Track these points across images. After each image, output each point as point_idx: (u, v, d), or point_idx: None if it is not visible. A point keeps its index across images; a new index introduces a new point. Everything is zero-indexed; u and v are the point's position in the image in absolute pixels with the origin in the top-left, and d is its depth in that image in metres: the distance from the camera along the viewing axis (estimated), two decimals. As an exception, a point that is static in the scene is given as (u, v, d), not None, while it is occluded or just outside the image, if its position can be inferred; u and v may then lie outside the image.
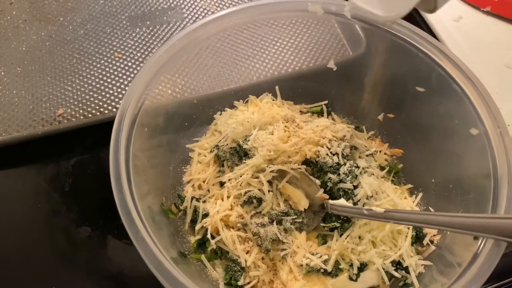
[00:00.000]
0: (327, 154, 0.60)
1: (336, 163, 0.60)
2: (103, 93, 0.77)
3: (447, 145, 0.63)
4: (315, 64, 0.78)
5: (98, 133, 0.74)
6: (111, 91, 0.78)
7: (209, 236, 0.59)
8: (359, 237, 0.57)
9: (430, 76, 0.62)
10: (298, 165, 0.61)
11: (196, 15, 0.89)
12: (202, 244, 0.61)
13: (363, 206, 0.57)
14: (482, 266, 0.47)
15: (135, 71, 0.80)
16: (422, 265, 0.57)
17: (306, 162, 0.62)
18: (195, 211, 0.62)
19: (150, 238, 0.46)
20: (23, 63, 0.82)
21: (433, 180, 0.64)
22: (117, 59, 0.82)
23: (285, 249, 0.57)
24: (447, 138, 0.63)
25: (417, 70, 0.63)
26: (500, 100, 0.59)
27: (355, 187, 0.59)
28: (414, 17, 0.92)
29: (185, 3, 0.90)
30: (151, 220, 0.51)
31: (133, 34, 0.86)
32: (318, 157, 0.61)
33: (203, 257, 0.59)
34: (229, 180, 0.62)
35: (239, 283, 0.56)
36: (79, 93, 0.77)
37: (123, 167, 0.50)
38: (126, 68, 0.81)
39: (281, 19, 0.76)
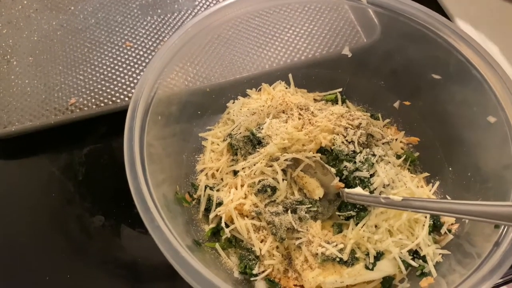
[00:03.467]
0: (342, 142, 0.60)
1: (352, 151, 0.59)
2: (115, 82, 0.77)
3: (466, 133, 0.61)
4: (329, 51, 0.77)
5: (111, 122, 0.74)
6: (123, 80, 0.77)
7: (223, 224, 0.58)
8: (376, 226, 0.56)
9: (448, 62, 0.61)
10: (313, 153, 0.60)
11: (208, 3, 0.88)
12: (216, 232, 0.61)
13: (380, 194, 0.56)
14: (503, 256, 0.46)
15: (147, 60, 0.80)
16: (439, 254, 0.56)
17: (321, 150, 0.61)
18: (209, 199, 0.62)
19: (165, 226, 0.46)
20: (35, 52, 0.82)
21: (450, 169, 0.63)
22: (128, 47, 0.81)
23: (300, 238, 0.56)
24: (466, 125, 0.61)
25: (435, 55, 0.62)
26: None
27: (372, 175, 0.58)
28: (430, 1, 0.90)
29: (196, -10, 0.90)
30: (166, 209, 0.51)
31: (144, 23, 0.85)
32: (334, 145, 0.60)
33: (217, 245, 0.58)
34: (242, 168, 0.62)
35: (254, 272, 0.56)
36: (91, 82, 0.77)
37: (138, 155, 0.50)
38: (138, 57, 0.80)
39: (294, 5, 0.75)
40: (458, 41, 0.59)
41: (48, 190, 0.69)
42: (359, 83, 0.72)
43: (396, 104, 0.70)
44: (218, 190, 0.62)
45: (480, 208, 0.46)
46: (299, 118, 0.63)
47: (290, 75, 0.72)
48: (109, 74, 0.78)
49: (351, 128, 0.60)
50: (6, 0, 0.90)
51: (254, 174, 0.60)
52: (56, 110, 0.74)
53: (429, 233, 0.57)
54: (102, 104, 0.74)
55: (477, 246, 0.52)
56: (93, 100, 0.75)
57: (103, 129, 0.74)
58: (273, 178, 0.59)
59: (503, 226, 0.47)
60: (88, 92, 0.76)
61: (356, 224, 0.56)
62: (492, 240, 0.48)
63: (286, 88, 0.72)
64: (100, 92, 0.76)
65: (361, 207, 0.57)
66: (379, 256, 0.55)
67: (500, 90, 0.55)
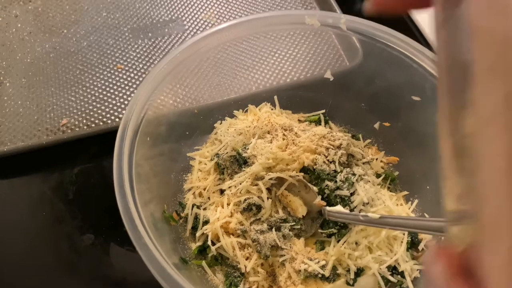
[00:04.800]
0: (324, 162, 0.62)
1: (333, 170, 0.62)
2: (106, 104, 0.79)
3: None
4: (313, 74, 0.80)
5: (101, 142, 0.76)
6: (113, 102, 0.79)
7: (209, 242, 0.60)
8: (356, 243, 0.58)
9: (424, 86, 0.64)
10: (296, 172, 0.63)
11: (197, 27, 0.91)
12: (203, 250, 0.62)
13: (359, 212, 0.58)
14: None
15: (138, 82, 0.82)
16: (417, 269, 0.58)
17: (304, 169, 0.64)
18: (196, 218, 0.63)
19: (152, 244, 0.48)
20: (28, 74, 0.84)
21: (428, 187, 0.65)
22: (119, 70, 0.84)
23: (284, 255, 0.58)
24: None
25: (412, 80, 0.65)
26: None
27: (352, 194, 0.60)
28: (411, 28, 0.94)
29: (186, 15, 0.93)
30: (154, 227, 0.53)
31: (135, 46, 0.88)
32: (316, 164, 0.62)
33: (203, 263, 0.60)
34: (229, 187, 0.64)
35: (239, 288, 0.58)
36: (82, 103, 0.79)
37: (126, 175, 0.52)
38: (129, 79, 0.83)
39: (279, 31, 0.78)
40: (432, 65, 0.63)
41: (40, 208, 0.70)
42: (341, 105, 0.75)
43: (377, 125, 0.73)
44: (205, 209, 0.64)
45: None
46: (283, 139, 0.66)
47: (275, 97, 0.75)
48: (101, 96, 0.80)
49: (332, 149, 0.63)
50: (1, 23, 0.92)
51: (240, 192, 0.62)
52: (48, 130, 0.76)
53: (407, 250, 0.59)
54: (93, 125, 0.76)
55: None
56: (85, 121, 0.77)
57: (94, 149, 0.76)
58: (258, 197, 0.61)
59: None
60: (79, 113, 0.78)
61: (338, 241, 0.58)
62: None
63: (272, 109, 0.75)
64: (92, 113, 0.78)
65: (342, 224, 0.59)
66: (359, 272, 0.57)
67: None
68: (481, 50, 0.19)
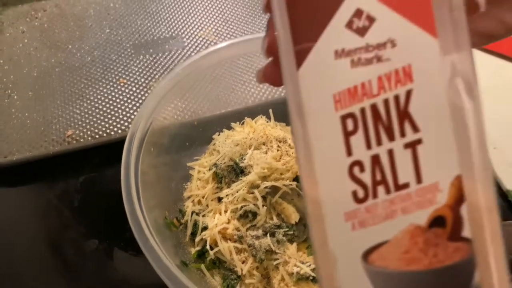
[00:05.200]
0: (315, 172, 0.66)
1: (324, 179, 0.66)
2: (109, 116, 0.83)
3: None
4: (306, 89, 0.85)
5: (105, 153, 0.80)
6: (116, 114, 0.83)
7: (208, 247, 0.64)
8: (345, 247, 0.62)
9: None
10: (290, 181, 0.67)
11: (196, 44, 0.96)
12: (201, 254, 0.66)
13: (348, 218, 0.62)
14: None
15: (140, 96, 0.86)
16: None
17: (297, 178, 0.68)
18: (195, 224, 0.67)
19: (158, 247, 0.52)
20: (35, 87, 0.88)
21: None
22: (122, 84, 0.88)
23: (278, 259, 0.62)
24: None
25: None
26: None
27: (341, 201, 0.64)
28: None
29: (186, 32, 0.98)
30: (157, 232, 0.56)
31: (137, 61, 0.92)
32: (308, 174, 0.67)
33: (202, 266, 0.64)
34: (226, 195, 0.68)
35: (236, 290, 0.62)
36: (87, 115, 0.83)
37: (133, 183, 0.56)
38: (131, 93, 0.87)
39: (274, 49, 0.82)
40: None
41: (46, 216, 0.74)
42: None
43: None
44: (203, 216, 0.68)
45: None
46: (278, 150, 0.70)
47: (270, 110, 0.80)
48: (104, 109, 0.84)
49: (323, 159, 0.67)
50: (8, 39, 0.96)
51: (237, 200, 0.66)
52: (54, 141, 0.80)
53: (393, 254, 0.63)
54: (97, 136, 0.80)
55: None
56: (89, 132, 0.81)
57: (98, 159, 0.80)
58: (254, 204, 0.65)
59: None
60: (84, 125, 0.82)
61: (328, 246, 0.63)
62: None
63: (267, 122, 0.79)
64: (96, 125, 0.82)
65: (332, 230, 0.63)
66: (348, 274, 0.61)
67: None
68: (307, 206, 0.29)
